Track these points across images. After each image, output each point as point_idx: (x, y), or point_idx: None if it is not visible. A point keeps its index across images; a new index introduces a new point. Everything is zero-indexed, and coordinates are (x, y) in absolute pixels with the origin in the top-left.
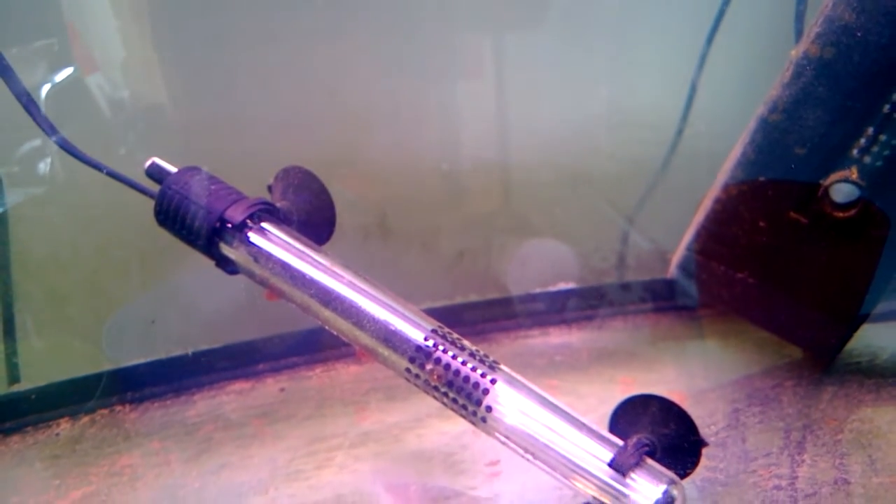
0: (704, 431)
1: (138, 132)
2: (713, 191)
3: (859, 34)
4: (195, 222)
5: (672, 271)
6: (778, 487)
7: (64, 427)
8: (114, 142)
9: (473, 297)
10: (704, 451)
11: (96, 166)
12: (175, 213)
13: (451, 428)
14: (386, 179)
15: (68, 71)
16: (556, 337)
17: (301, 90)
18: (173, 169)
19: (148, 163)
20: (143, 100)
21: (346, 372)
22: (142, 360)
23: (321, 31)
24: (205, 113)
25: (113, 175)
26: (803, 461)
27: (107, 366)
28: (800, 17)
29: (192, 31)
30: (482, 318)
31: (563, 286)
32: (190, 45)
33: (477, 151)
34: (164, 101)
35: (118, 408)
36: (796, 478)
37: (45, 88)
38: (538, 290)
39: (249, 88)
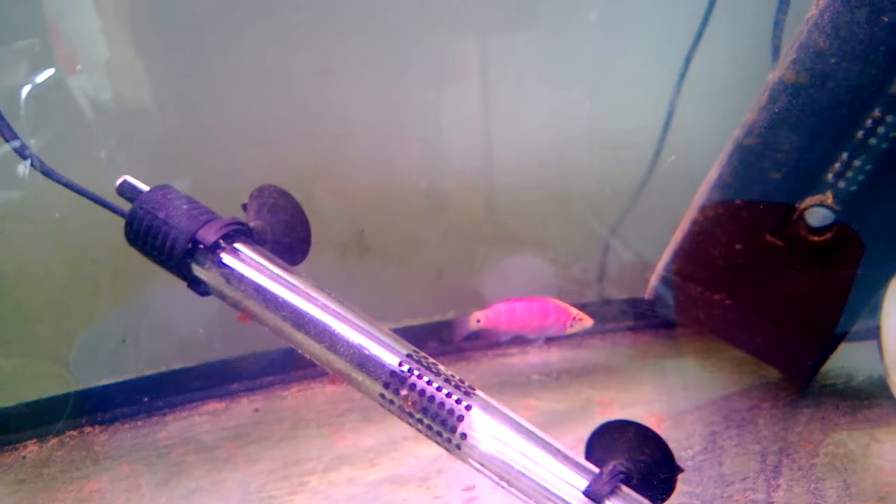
0: (681, 455)
1: (120, 135)
2: (690, 212)
3: (833, 61)
4: (167, 242)
5: (650, 291)
6: None
7: (31, 450)
8: (95, 145)
9: (452, 315)
10: (681, 475)
11: (68, 185)
12: (146, 233)
13: (427, 452)
14: (364, 196)
15: (49, 72)
16: (535, 356)
17: (278, 99)
18: (145, 187)
19: (119, 181)
20: (125, 103)
21: (321, 392)
22: (112, 380)
23: (306, 40)
24: (188, 117)
25: (84, 193)
26: (779, 486)
27: (76, 386)
28: (777, 42)
29: (176, 34)
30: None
31: None
32: (174, 48)
33: (457, 168)
34: (147, 105)
35: (87, 429)
36: (772, 503)
37: (26, 90)
38: None
39: (229, 94)
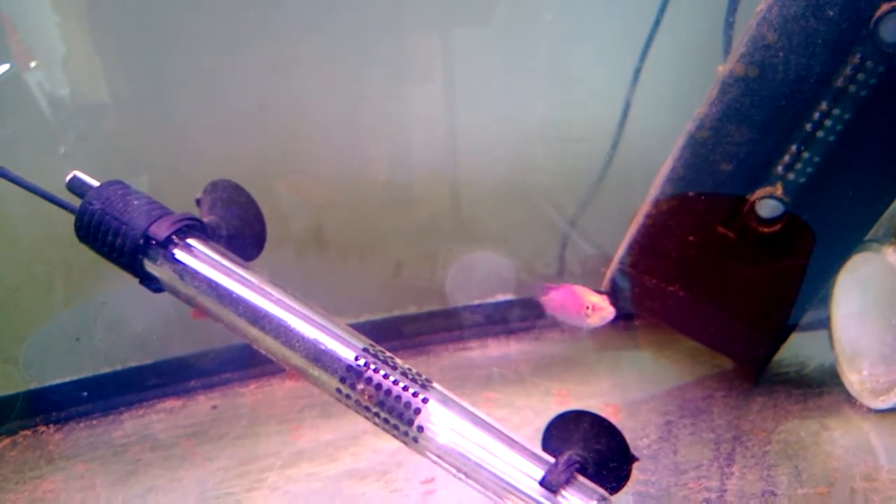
0: (637, 444)
1: (78, 131)
2: (644, 205)
3: (781, 54)
4: (118, 239)
5: (606, 284)
6: (707, 501)
7: None
8: (53, 140)
9: (412, 310)
10: (637, 464)
11: (17, 181)
12: (97, 230)
13: (387, 445)
14: (322, 191)
15: (4, 67)
16: (495, 349)
17: (236, 93)
18: (95, 183)
19: (69, 176)
20: (82, 98)
21: (280, 388)
22: (67, 378)
23: (265, 35)
24: (145, 112)
25: (33, 190)
26: (732, 473)
27: (29, 384)
28: (728, 36)
29: (133, 29)
30: (421, 330)
31: (501, 297)
32: (132, 43)
33: (417, 163)
34: (104, 100)
35: (42, 428)
36: (725, 490)
37: None
38: (476, 301)
39: (186, 89)
